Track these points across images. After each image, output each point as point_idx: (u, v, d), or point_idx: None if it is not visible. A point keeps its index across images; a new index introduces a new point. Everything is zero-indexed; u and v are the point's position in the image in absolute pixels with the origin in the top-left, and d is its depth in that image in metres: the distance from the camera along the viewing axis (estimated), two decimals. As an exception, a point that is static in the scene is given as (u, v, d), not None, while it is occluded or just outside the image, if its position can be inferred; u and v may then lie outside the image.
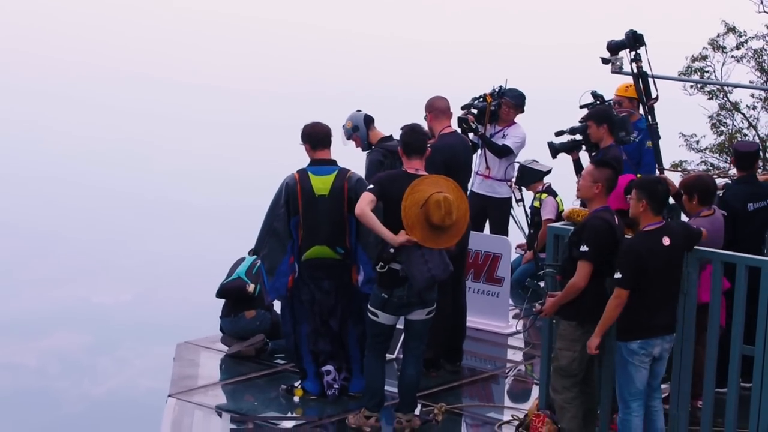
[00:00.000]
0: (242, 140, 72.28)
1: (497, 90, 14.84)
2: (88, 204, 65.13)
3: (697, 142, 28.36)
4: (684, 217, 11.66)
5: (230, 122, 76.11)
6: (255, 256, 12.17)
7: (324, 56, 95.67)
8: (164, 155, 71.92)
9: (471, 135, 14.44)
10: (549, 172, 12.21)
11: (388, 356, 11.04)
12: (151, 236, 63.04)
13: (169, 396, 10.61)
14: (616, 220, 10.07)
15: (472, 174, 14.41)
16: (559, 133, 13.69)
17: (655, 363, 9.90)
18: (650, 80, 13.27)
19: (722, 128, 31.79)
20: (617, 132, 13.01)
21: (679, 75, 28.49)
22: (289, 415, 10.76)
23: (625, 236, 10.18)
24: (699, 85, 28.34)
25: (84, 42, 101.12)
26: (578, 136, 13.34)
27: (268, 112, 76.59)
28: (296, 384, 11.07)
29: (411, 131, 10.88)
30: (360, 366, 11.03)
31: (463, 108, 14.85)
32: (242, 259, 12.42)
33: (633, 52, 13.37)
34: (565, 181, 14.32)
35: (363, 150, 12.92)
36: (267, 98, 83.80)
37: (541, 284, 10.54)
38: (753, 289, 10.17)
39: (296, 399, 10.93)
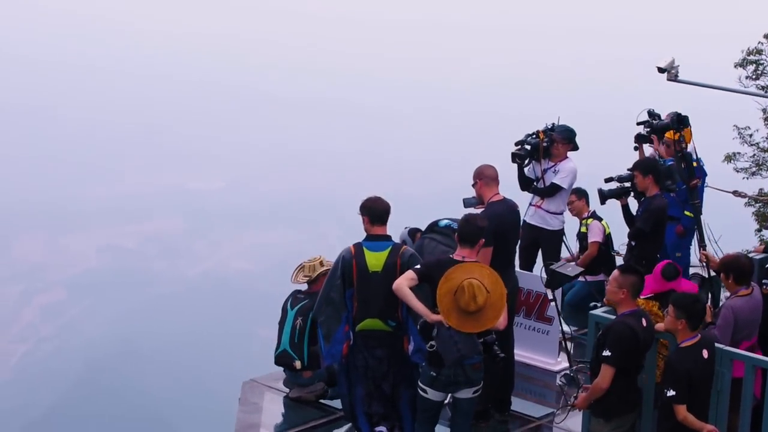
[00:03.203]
0: (329, 32, 71.80)
1: (549, 127, 14.45)
2: (184, 96, 65.22)
3: (750, 135, 27.24)
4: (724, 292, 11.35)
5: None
6: (295, 311, 12.04)
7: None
8: (258, 46, 71.75)
9: (525, 170, 14.15)
10: (578, 275, 11.84)
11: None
12: (243, 127, 63.15)
13: None
14: (644, 322, 9.76)
15: (527, 205, 14.14)
16: (608, 180, 13.35)
17: None
18: (692, 160, 12.91)
19: (775, 122, 30.53)
20: (663, 181, 12.62)
21: (735, 66, 27.47)
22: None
23: (656, 326, 9.89)
24: (754, 78, 27.28)
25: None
26: (627, 184, 12.98)
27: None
28: (352, 441, 11.10)
29: (465, 222, 10.67)
30: (411, 425, 10.97)
31: (516, 144, 14.47)
32: (285, 314, 12.10)
33: (677, 134, 12.89)
34: (614, 220, 14.04)
35: None
36: None
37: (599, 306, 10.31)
38: None
39: None
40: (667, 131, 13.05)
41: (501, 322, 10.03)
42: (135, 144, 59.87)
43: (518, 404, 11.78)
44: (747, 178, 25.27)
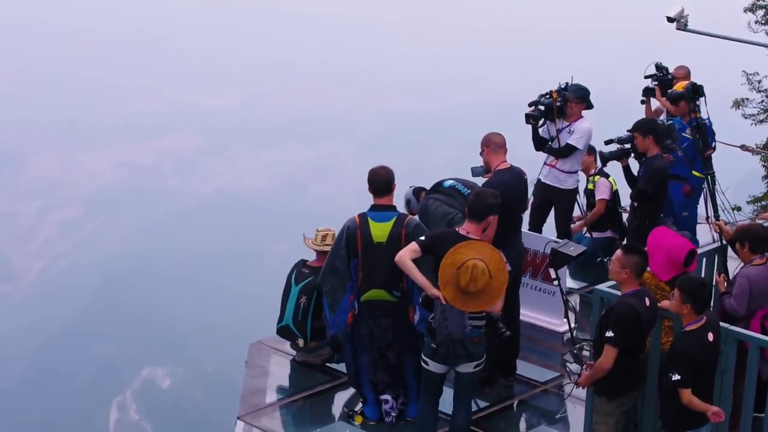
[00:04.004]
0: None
1: (562, 86, 14.10)
2: (198, 12, 64.63)
3: (759, 81, 26.35)
4: (731, 261, 11.10)
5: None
6: (300, 288, 11.81)
7: None
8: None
9: (540, 129, 13.87)
10: (581, 255, 11.55)
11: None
12: (257, 43, 62.66)
13: (238, 419, 10.47)
14: (647, 302, 9.56)
15: (542, 165, 13.88)
16: (608, 142, 13.07)
17: None
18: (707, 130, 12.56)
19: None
20: (663, 140, 12.33)
21: (744, 11, 26.66)
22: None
23: (661, 304, 9.68)
24: (763, 23, 26.42)
25: None
26: (627, 145, 12.70)
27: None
28: (356, 409, 10.92)
29: (476, 196, 10.34)
30: (416, 393, 10.82)
31: (530, 104, 14.14)
32: (289, 288, 11.83)
33: (692, 104, 12.55)
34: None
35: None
36: None
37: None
38: None
39: (356, 425, 10.77)
40: (681, 101, 12.68)
41: (497, 306, 9.79)
42: (150, 61, 59.53)
43: (523, 368, 11.56)
44: (755, 125, 24.85)
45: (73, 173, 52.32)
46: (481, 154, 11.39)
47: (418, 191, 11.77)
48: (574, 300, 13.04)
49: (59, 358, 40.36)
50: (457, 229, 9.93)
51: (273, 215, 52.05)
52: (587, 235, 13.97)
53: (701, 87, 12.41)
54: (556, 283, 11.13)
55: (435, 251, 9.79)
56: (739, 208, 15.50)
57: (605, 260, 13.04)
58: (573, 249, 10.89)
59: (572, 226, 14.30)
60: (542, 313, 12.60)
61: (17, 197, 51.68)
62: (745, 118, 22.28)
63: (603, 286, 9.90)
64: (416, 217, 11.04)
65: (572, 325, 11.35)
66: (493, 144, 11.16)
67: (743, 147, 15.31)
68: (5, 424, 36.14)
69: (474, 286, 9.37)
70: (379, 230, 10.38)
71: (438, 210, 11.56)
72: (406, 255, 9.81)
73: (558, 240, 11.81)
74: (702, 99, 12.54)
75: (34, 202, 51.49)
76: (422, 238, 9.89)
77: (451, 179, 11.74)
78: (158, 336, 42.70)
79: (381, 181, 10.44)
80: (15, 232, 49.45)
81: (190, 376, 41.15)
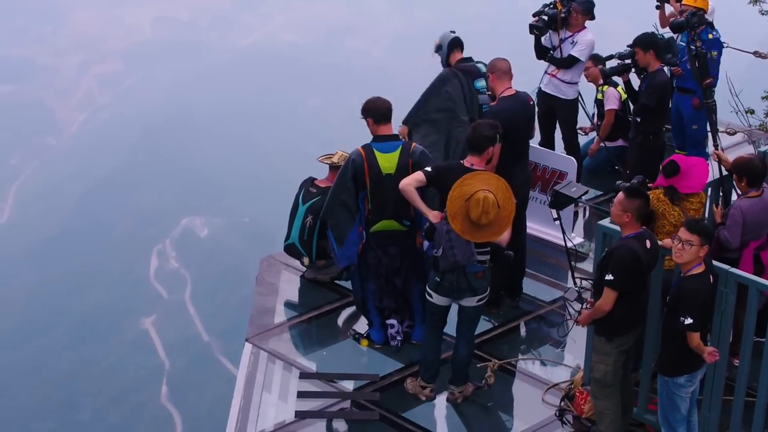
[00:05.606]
0: None
1: None
2: None
3: None
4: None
5: None
6: (306, 208, 11.51)
7: None
8: None
9: (542, 38, 13.44)
10: (582, 195, 11.12)
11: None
12: None
13: (246, 341, 10.35)
14: (648, 244, 9.26)
15: (543, 74, 13.48)
16: (608, 58, 12.64)
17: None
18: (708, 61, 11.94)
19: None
20: (664, 55, 11.88)
21: None
22: (352, 373, 10.45)
23: (662, 243, 9.40)
24: None
25: None
26: (627, 60, 12.29)
27: None
28: (363, 332, 10.76)
29: (473, 130, 10.01)
30: (422, 316, 10.64)
31: (534, 15, 13.69)
32: (296, 207, 11.53)
33: (692, 32, 11.96)
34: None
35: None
36: None
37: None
38: None
39: (362, 348, 10.62)
40: (682, 30, 12.18)
41: (504, 237, 9.53)
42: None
43: (530, 286, 11.31)
44: (772, 21, 24.07)
45: (112, 28, 51.86)
46: (486, 79, 10.99)
47: (454, 43, 11.25)
48: (584, 211, 12.76)
49: (101, 208, 40.59)
50: (462, 162, 9.58)
51: (308, 69, 51.56)
52: (601, 144, 13.66)
53: (703, 16, 11.89)
54: (557, 223, 10.78)
55: (441, 183, 9.47)
56: (752, 111, 14.97)
57: (618, 168, 12.77)
58: (575, 190, 10.52)
59: (590, 147, 13.91)
60: (550, 227, 12.25)
61: (59, 51, 51.43)
62: (763, 14, 21.35)
63: (606, 222, 9.56)
64: (418, 146, 10.60)
65: (576, 250, 10.98)
66: (498, 70, 10.71)
67: (756, 53, 14.72)
68: (49, 273, 36.52)
69: (486, 218, 9.11)
70: (387, 161, 10.04)
71: (452, 92, 11.27)
72: (411, 183, 9.53)
73: (559, 180, 11.46)
74: (704, 27, 12.08)
75: (76, 56, 51.22)
76: (428, 169, 9.55)
77: (482, 62, 11.38)
78: (196, 186, 42.78)
79: (385, 108, 10.06)
80: (57, 85, 49.35)
81: (227, 225, 41.34)
